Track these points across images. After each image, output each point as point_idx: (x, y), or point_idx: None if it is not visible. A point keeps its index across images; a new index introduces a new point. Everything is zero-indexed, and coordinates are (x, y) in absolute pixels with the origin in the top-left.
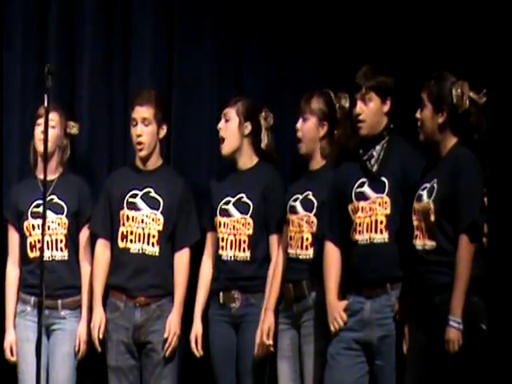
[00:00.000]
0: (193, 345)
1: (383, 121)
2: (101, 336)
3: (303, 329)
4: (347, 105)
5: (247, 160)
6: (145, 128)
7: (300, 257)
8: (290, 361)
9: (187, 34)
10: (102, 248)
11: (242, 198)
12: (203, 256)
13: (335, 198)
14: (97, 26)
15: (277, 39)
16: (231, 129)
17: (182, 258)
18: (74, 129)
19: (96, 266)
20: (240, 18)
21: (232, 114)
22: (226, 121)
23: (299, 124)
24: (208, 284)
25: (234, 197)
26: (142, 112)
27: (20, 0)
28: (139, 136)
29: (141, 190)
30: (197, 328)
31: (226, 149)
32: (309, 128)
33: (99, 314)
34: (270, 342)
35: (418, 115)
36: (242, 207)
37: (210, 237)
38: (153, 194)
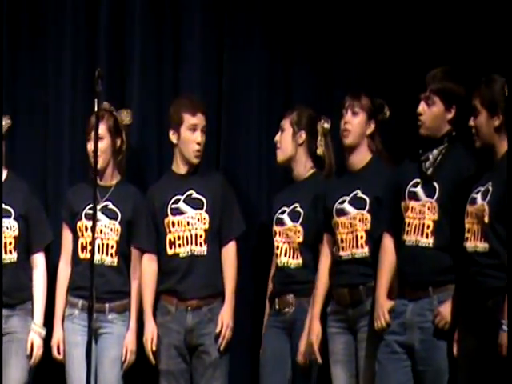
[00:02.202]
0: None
1: (444, 127)
2: (154, 348)
3: (360, 334)
4: (387, 115)
5: (302, 169)
6: (203, 136)
7: (356, 256)
8: (345, 365)
9: (237, 45)
10: (149, 262)
11: (296, 207)
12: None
13: (394, 194)
14: (146, 33)
15: (326, 50)
16: (285, 138)
17: (229, 252)
18: (127, 118)
19: (144, 281)
20: (289, 28)
21: (286, 124)
22: (282, 131)
23: (348, 117)
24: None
25: (289, 206)
26: (204, 120)
27: (70, 5)
28: (199, 144)
29: (183, 194)
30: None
31: (281, 157)
32: (359, 122)
33: (151, 329)
34: (318, 352)
35: (471, 123)
36: (294, 216)
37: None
38: (195, 194)
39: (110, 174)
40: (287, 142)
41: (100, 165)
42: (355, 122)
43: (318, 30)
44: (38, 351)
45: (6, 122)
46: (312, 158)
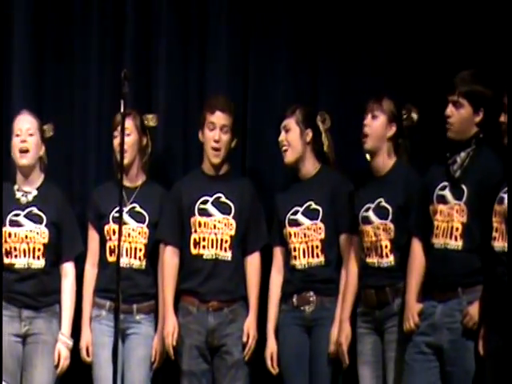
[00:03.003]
0: (268, 363)
1: (472, 130)
2: (174, 343)
3: (387, 335)
4: (416, 118)
5: (310, 167)
6: (223, 135)
7: (381, 265)
8: (372, 366)
9: (262, 46)
10: (171, 255)
11: (311, 205)
12: (271, 273)
13: (421, 198)
14: (172, 35)
15: (351, 51)
16: (293, 138)
17: (253, 262)
18: (151, 121)
19: (165, 274)
20: (315, 30)
21: (291, 123)
22: (287, 132)
23: (368, 121)
24: (278, 301)
25: (302, 206)
26: (223, 119)
27: (97, 7)
28: (217, 142)
29: (211, 196)
30: (271, 346)
31: (290, 157)
32: (378, 125)
33: (172, 322)
34: (346, 355)
35: (502, 119)
36: (311, 214)
37: (277, 251)
38: (223, 199)
39: (135, 174)
40: (296, 142)
41: (127, 160)
42: (374, 125)
43: (344, 31)
44: (64, 361)
45: (48, 128)
46: (316, 154)
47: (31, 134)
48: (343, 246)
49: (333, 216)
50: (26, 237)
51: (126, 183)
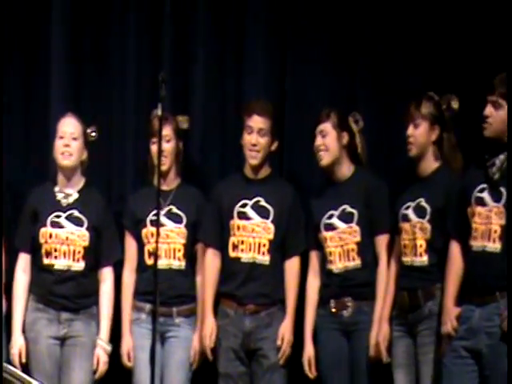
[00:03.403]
0: (306, 367)
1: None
2: (212, 345)
3: (420, 338)
4: (456, 106)
5: (345, 169)
6: (260, 138)
7: (414, 264)
8: (406, 369)
9: (300, 48)
10: (212, 257)
11: (346, 208)
12: (308, 277)
13: (459, 200)
14: (210, 39)
15: (389, 57)
16: (330, 143)
17: (292, 266)
18: (184, 124)
19: (207, 276)
20: (353, 31)
21: (327, 127)
22: (323, 136)
23: (410, 130)
24: (315, 305)
25: (336, 209)
26: (260, 122)
27: (134, 12)
28: (254, 145)
29: (251, 200)
30: (309, 350)
31: (326, 160)
32: (421, 133)
33: (210, 323)
34: (385, 353)
35: None
36: (346, 217)
37: (313, 255)
38: (263, 202)
39: (172, 178)
40: (333, 145)
41: (166, 166)
42: (417, 134)
43: (382, 37)
44: (103, 367)
45: (91, 132)
46: (351, 156)
47: (75, 138)
48: (379, 248)
49: (368, 218)
50: (67, 238)
51: (163, 187)
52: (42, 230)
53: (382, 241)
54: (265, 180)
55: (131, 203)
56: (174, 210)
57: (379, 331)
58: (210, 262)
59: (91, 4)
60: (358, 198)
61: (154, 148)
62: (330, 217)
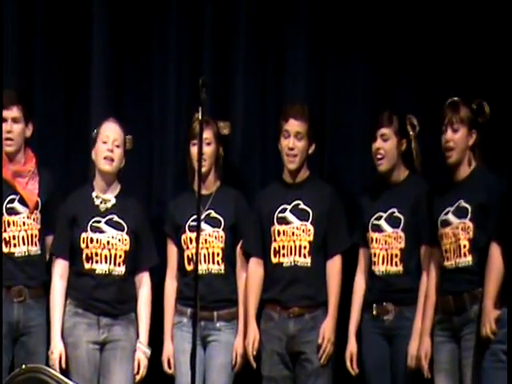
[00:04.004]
0: (348, 363)
1: None
2: (255, 353)
3: (464, 342)
4: (488, 111)
5: (400, 174)
6: (297, 142)
7: (459, 265)
8: (448, 375)
9: (341, 54)
10: (255, 266)
11: (394, 212)
12: (356, 274)
13: (500, 202)
14: (250, 42)
15: (428, 57)
16: (390, 148)
17: (334, 266)
18: (225, 129)
19: (250, 285)
20: (393, 36)
21: (389, 132)
22: (385, 141)
23: (449, 135)
24: (361, 302)
25: (385, 212)
26: (297, 126)
27: (175, 16)
28: (291, 149)
29: (290, 204)
30: (352, 346)
31: (385, 166)
32: (460, 138)
33: (253, 332)
34: (427, 367)
35: None
36: (393, 222)
37: (361, 253)
38: (302, 205)
39: (211, 182)
40: (393, 152)
41: (205, 169)
42: (456, 139)
43: (421, 38)
44: (143, 370)
45: (129, 140)
46: (405, 161)
47: (118, 146)
48: (424, 257)
49: (415, 225)
50: (108, 243)
51: (202, 191)
52: (83, 235)
53: (427, 249)
54: (303, 183)
55: (171, 209)
56: (213, 214)
57: (420, 345)
58: (253, 271)
59: (132, 10)
60: (407, 204)
61: (193, 150)
62: (379, 218)
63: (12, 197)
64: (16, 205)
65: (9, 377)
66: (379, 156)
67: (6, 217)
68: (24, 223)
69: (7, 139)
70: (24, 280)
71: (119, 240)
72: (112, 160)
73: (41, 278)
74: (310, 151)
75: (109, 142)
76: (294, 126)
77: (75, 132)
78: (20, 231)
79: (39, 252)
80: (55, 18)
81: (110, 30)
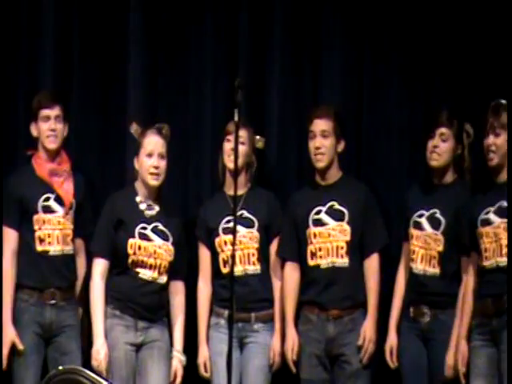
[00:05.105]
0: (387, 356)
1: None
2: (295, 357)
3: (503, 345)
4: None
5: (448, 176)
6: (324, 140)
7: (500, 264)
8: (486, 379)
9: (377, 55)
10: (291, 271)
11: (436, 213)
12: (399, 268)
13: None
14: (286, 43)
15: (465, 57)
16: (447, 149)
17: (372, 265)
18: (259, 143)
19: (287, 290)
20: (430, 39)
21: (448, 134)
22: (443, 141)
23: (491, 140)
24: (402, 295)
25: (427, 211)
26: (321, 124)
27: (211, 18)
28: (318, 148)
29: (324, 205)
30: (392, 339)
31: (438, 163)
32: (502, 142)
33: (292, 336)
34: (464, 370)
35: None
36: (433, 222)
37: (404, 248)
38: (337, 206)
39: (242, 183)
40: (448, 153)
41: (233, 165)
42: (499, 144)
43: (459, 39)
44: (179, 379)
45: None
46: (455, 165)
47: (162, 157)
48: (464, 263)
49: (455, 230)
50: (155, 252)
51: (231, 192)
52: (131, 241)
53: (466, 255)
54: (336, 183)
55: (203, 213)
56: (246, 214)
57: (458, 351)
58: (290, 275)
59: (167, 12)
60: (451, 208)
61: (225, 146)
62: (420, 216)
63: (48, 195)
64: (52, 203)
65: (45, 378)
66: (435, 154)
67: (41, 215)
68: (59, 222)
69: (51, 136)
70: (56, 281)
71: (165, 250)
72: (158, 175)
73: (72, 279)
74: (339, 149)
75: (154, 156)
76: (318, 125)
77: (111, 134)
78: (55, 230)
79: (71, 252)
80: (92, 18)
81: (146, 31)
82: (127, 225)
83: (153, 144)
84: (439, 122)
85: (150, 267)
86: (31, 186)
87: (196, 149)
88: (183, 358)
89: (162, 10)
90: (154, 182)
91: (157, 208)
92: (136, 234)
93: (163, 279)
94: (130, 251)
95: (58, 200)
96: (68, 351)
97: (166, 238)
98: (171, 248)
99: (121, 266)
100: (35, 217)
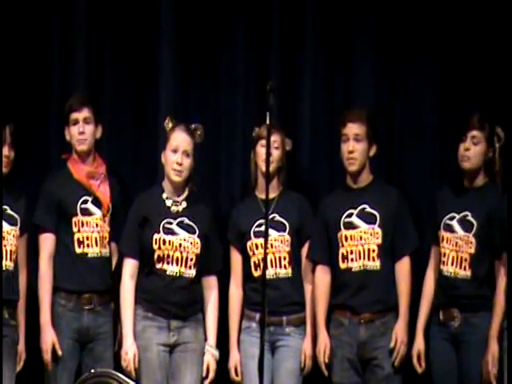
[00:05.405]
0: (415, 360)
1: None
2: (327, 360)
3: None
4: None
5: (479, 179)
6: (356, 144)
7: None
8: None
9: (409, 57)
10: (322, 274)
11: (467, 216)
12: (427, 271)
13: None
14: (318, 45)
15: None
16: (478, 152)
17: (403, 268)
18: (288, 146)
19: (318, 292)
20: (463, 40)
21: (481, 137)
22: (474, 144)
23: None
24: (431, 299)
25: (459, 213)
26: (354, 128)
27: (243, 19)
28: (350, 152)
29: (355, 208)
30: (419, 343)
31: (469, 165)
32: None
33: (324, 339)
34: (495, 371)
35: None
36: (465, 225)
37: (433, 251)
38: (368, 209)
39: (274, 186)
40: (480, 156)
41: (270, 171)
42: None
43: (491, 40)
44: (212, 374)
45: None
46: (486, 168)
47: (187, 155)
48: (496, 265)
49: (487, 232)
50: (181, 245)
51: (263, 196)
52: (156, 236)
53: (501, 258)
54: (368, 187)
55: (234, 216)
56: (277, 218)
57: (487, 350)
58: (321, 278)
59: (199, 14)
60: (482, 211)
61: (259, 151)
62: (451, 218)
63: (85, 198)
64: (90, 206)
65: (77, 381)
66: (466, 158)
67: (79, 217)
68: (97, 225)
69: (80, 139)
70: (94, 285)
71: (191, 243)
72: (180, 172)
73: (108, 282)
74: (371, 153)
75: (178, 152)
76: (351, 128)
77: (143, 136)
78: (93, 232)
79: (108, 255)
80: (123, 19)
81: (178, 32)
82: (152, 221)
83: (179, 140)
84: (471, 125)
85: (177, 261)
86: (69, 188)
87: (228, 149)
88: (216, 353)
89: (195, 11)
90: (176, 178)
91: (184, 204)
92: (160, 229)
93: (191, 273)
94: (154, 246)
95: (96, 202)
96: (102, 358)
97: (192, 231)
98: (197, 241)
99: (149, 265)
100: (74, 219)
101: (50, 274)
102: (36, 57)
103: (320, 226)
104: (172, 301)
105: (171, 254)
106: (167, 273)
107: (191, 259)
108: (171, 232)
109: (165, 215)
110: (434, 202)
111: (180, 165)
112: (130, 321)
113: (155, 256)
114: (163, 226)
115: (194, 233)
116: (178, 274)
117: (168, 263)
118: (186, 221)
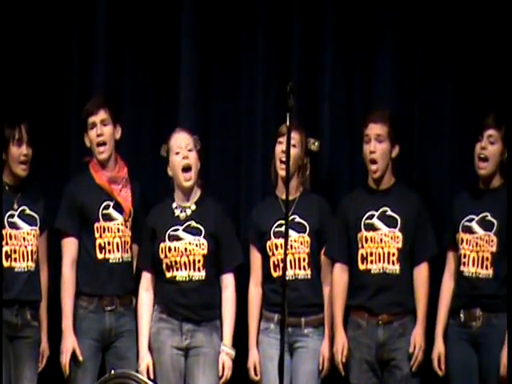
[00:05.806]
0: (435, 364)
1: None
2: (344, 360)
3: None
4: None
5: (495, 180)
6: (378, 144)
7: None
8: None
9: (429, 59)
10: (340, 273)
11: (487, 216)
12: (444, 277)
13: None
14: (338, 47)
15: None
16: (495, 153)
17: (421, 273)
18: (314, 145)
19: (335, 291)
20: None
21: (497, 137)
22: (491, 143)
23: None
24: (449, 302)
25: (477, 215)
26: (376, 128)
27: (263, 19)
28: (373, 152)
29: (377, 210)
30: (439, 347)
31: (488, 170)
32: None
33: (341, 338)
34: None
35: None
36: (485, 225)
37: (450, 255)
38: (389, 212)
39: (294, 187)
40: (496, 157)
41: (284, 172)
42: None
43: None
44: (228, 372)
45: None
46: (502, 169)
47: (190, 150)
48: None
49: (508, 231)
50: (186, 249)
51: (284, 196)
52: (162, 245)
53: None
54: (389, 190)
55: (254, 216)
56: (297, 219)
57: (503, 348)
58: (338, 276)
59: (219, 16)
60: (502, 210)
61: (278, 148)
62: (470, 220)
63: (107, 203)
64: (111, 211)
65: (97, 382)
66: (482, 156)
67: (101, 223)
68: (119, 230)
69: (100, 144)
70: (115, 289)
71: (196, 245)
72: (189, 169)
73: (130, 286)
74: (394, 154)
75: (181, 150)
76: (373, 129)
77: (164, 135)
78: (115, 237)
79: (130, 259)
80: (144, 20)
81: (198, 32)
82: (159, 232)
83: (177, 140)
84: (487, 125)
85: (185, 266)
86: (91, 193)
87: (248, 150)
88: (231, 352)
89: (215, 11)
90: (186, 183)
91: (193, 207)
92: (166, 238)
93: (201, 275)
94: (161, 255)
95: (117, 207)
96: (126, 356)
97: (197, 233)
98: (203, 242)
99: (162, 274)
100: (96, 225)
101: (73, 279)
102: (57, 57)
103: (340, 224)
104: (182, 303)
105: (178, 259)
106: (177, 279)
107: (199, 261)
108: (176, 238)
109: (172, 223)
110: (452, 207)
111: (186, 158)
112: (145, 333)
113: (163, 265)
114: (169, 234)
115: (200, 234)
116: (187, 279)
117: (177, 269)
118: (193, 223)
